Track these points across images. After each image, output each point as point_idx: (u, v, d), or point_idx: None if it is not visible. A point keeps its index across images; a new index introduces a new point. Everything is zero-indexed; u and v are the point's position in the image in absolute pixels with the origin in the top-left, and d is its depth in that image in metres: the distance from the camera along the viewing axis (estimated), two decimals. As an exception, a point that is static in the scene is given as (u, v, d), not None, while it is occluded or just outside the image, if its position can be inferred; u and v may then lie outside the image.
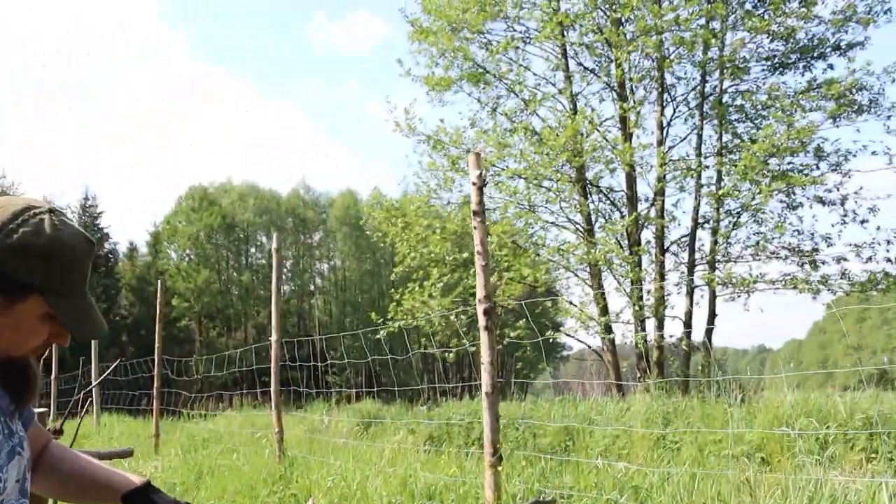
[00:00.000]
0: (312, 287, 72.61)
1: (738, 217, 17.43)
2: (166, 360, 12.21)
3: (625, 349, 19.33)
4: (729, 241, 17.45)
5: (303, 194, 73.40)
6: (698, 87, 18.13)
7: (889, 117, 16.28)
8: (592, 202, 18.69)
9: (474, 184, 5.36)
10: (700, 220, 17.84)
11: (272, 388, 7.86)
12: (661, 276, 17.16)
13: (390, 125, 19.42)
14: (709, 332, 16.94)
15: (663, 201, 17.73)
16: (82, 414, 3.47)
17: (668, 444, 9.30)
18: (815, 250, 16.97)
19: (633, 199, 17.96)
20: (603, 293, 17.59)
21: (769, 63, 17.87)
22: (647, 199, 18.18)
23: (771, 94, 17.22)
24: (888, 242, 15.90)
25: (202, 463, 8.05)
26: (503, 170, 18.76)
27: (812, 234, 17.12)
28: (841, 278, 16.25)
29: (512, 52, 19.19)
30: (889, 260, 15.92)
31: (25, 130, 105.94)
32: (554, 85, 19.55)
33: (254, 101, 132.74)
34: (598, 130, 18.06)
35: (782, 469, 6.49)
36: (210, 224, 63.09)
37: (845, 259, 16.32)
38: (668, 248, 18.01)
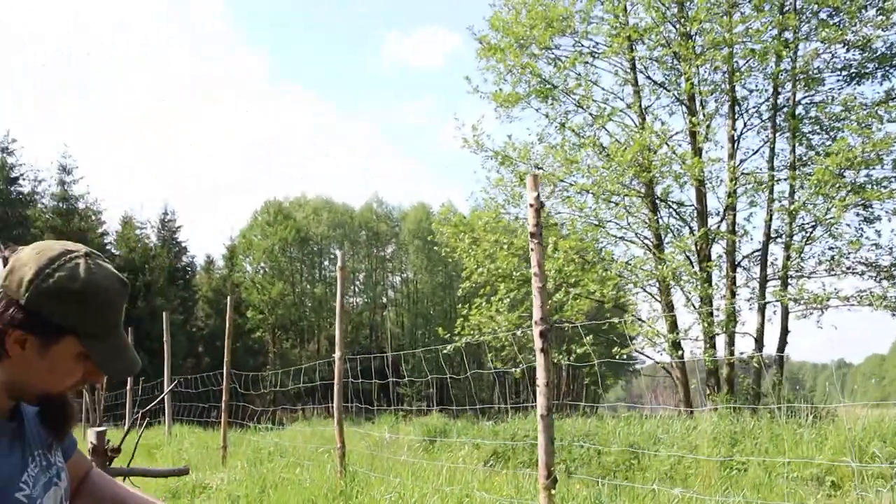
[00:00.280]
0: (385, 299, 73.20)
1: (812, 231, 17.02)
2: (235, 374, 12.51)
3: (696, 365, 19.04)
4: (802, 256, 17.04)
5: (376, 208, 74.21)
6: (770, 99, 17.80)
7: (971, 129, 15.74)
8: (661, 217, 18.47)
9: (531, 205, 5.38)
10: (773, 235, 17.47)
11: (335, 405, 8.01)
12: (732, 293, 16.86)
13: (458, 141, 19.59)
14: (781, 350, 16.56)
15: (734, 216, 17.45)
16: (139, 432, 3.62)
17: (736, 465, 9.13)
18: (895, 265, 16.47)
19: (703, 214, 17.72)
20: (672, 309, 17.36)
21: (845, 73, 17.43)
22: (717, 214, 17.91)
23: (846, 105, 16.78)
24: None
25: (266, 476, 8.23)
26: (571, 185, 18.71)
27: (891, 248, 16.64)
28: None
29: (580, 66, 19.19)
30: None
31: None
32: (622, 99, 19.47)
33: (328, 117, 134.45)
34: (667, 144, 17.88)
35: (849, 496, 6.34)
36: (284, 237, 64.20)
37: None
38: (739, 263, 17.69)
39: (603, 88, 19.55)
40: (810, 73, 17.23)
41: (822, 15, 17.06)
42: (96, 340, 1.61)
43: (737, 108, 17.94)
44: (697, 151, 17.44)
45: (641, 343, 18.05)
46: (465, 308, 18.76)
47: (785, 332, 16.90)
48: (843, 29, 16.42)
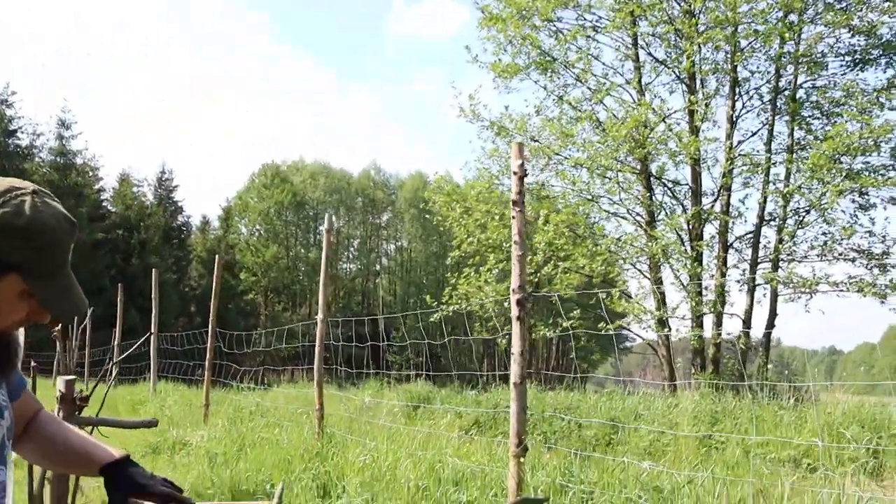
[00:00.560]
0: (378, 267, 73.27)
1: (806, 216, 16.99)
2: (221, 333, 12.49)
3: (683, 344, 19.10)
4: (794, 240, 17.02)
5: (373, 175, 74.02)
6: (772, 81, 17.69)
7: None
8: (655, 195, 18.41)
9: (515, 173, 5.35)
10: (766, 218, 17.44)
11: (315, 366, 7.99)
12: (723, 273, 16.86)
13: (455, 110, 19.48)
14: (768, 333, 16.59)
15: (729, 196, 17.40)
16: (109, 382, 3.61)
17: (714, 443, 9.16)
18: (886, 253, 16.45)
19: (697, 193, 17.66)
20: (661, 287, 17.36)
21: (848, 59, 17.30)
22: (711, 194, 17.86)
23: (848, 91, 16.68)
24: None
25: (245, 435, 8.24)
26: (566, 158, 18.62)
27: (884, 236, 16.61)
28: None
29: (581, 40, 19.03)
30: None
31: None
32: (622, 75, 19.34)
33: (334, 84, 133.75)
34: (664, 122, 17.78)
35: (820, 478, 6.36)
36: (281, 201, 64.10)
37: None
38: (731, 244, 17.67)
39: (603, 63, 19.43)
40: (813, 56, 17.10)
41: (829, -2, 16.93)
42: (41, 279, 1.57)
43: (737, 88, 17.83)
44: (695, 130, 17.35)
45: (628, 320, 18.05)
46: (453, 277, 18.77)
47: (773, 314, 16.94)
48: (849, 13, 16.29)
